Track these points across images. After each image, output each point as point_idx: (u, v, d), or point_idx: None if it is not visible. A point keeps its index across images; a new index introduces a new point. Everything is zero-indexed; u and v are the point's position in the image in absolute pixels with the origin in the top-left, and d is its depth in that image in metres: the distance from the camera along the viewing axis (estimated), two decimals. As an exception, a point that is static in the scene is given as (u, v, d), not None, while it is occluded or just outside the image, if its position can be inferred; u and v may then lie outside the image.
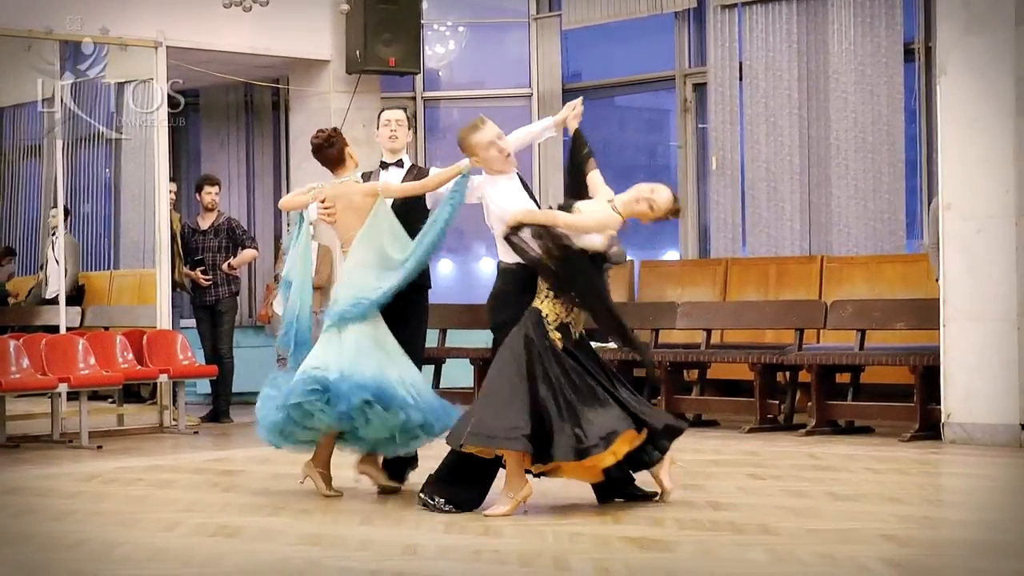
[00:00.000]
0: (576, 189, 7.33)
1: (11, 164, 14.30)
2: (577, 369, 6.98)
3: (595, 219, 7.04)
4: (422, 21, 13.50)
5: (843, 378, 10.68)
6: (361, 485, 7.77)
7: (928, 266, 10.65)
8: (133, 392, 12.31)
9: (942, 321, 9.74)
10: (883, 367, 10.41)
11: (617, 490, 7.25)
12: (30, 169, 14.05)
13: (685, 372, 11.76)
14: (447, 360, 12.32)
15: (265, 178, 14.74)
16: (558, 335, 6.99)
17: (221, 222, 12.19)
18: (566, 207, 7.12)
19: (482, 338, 7.49)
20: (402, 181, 7.78)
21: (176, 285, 11.99)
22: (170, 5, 11.93)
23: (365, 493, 7.68)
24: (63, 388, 10.39)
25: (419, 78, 14.21)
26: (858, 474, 8.38)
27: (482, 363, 10.99)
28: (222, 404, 12.04)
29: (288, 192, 10.70)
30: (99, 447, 10.25)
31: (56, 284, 12.27)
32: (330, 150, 7.69)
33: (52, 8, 11.19)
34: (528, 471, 6.98)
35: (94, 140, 13.04)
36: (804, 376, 10.71)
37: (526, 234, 6.96)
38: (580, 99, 7.64)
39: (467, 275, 15.06)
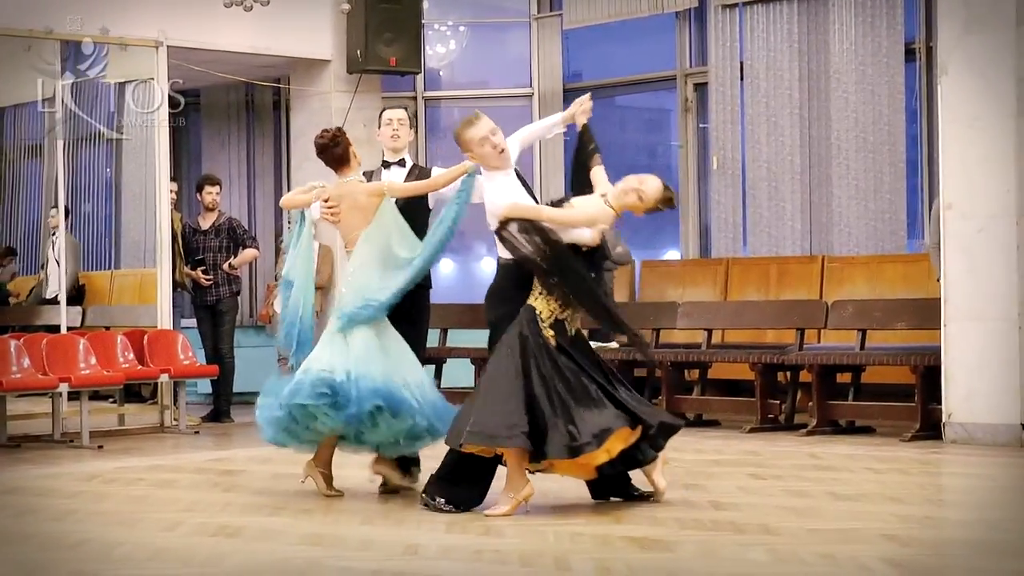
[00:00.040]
0: (581, 184, 7.33)
1: (12, 164, 14.30)
2: (571, 367, 6.95)
3: (583, 213, 7.03)
4: (423, 21, 13.48)
5: (844, 378, 10.68)
6: (370, 485, 7.75)
7: (929, 266, 10.64)
8: (134, 392, 12.31)
9: (943, 321, 9.74)
10: (884, 367, 10.41)
11: (612, 488, 7.24)
12: (31, 169, 14.05)
13: (686, 372, 11.76)
14: (448, 360, 12.33)
15: (266, 178, 14.74)
16: (552, 332, 6.97)
17: (222, 222, 12.19)
18: (560, 203, 7.12)
19: (483, 338, 7.46)
20: (404, 180, 7.78)
21: (177, 285, 12.00)
22: (171, 5, 11.93)
23: (366, 493, 7.68)
24: (64, 388, 10.39)
25: (420, 78, 14.20)
26: (859, 474, 8.38)
27: (483, 363, 10.96)
28: (223, 404, 12.04)
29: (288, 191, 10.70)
30: (100, 447, 10.25)
31: (56, 284, 12.27)
32: (335, 149, 7.67)
33: (52, 8, 11.19)
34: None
35: (95, 140, 13.05)
36: (805, 376, 10.71)
37: (514, 229, 6.95)
38: (588, 95, 7.59)
39: (468, 275, 15.05)
